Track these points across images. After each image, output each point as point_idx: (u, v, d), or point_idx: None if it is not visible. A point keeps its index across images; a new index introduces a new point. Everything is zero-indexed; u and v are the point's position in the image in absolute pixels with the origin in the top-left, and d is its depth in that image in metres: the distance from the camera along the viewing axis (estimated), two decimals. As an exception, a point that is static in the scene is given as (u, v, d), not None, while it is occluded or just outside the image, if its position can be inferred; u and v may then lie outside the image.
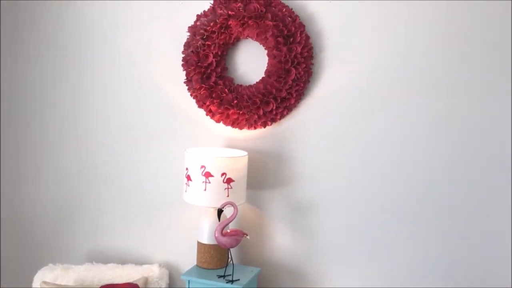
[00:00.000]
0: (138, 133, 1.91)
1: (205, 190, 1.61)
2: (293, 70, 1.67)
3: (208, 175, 1.60)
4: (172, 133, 1.88)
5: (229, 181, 1.61)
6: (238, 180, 1.64)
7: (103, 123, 1.95)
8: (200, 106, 1.78)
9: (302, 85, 1.70)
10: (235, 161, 1.63)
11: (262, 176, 1.82)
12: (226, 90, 1.74)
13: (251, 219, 1.84)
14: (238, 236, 1.61)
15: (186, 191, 1.66)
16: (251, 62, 1.78)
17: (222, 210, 1.59)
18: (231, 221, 1.61)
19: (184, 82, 1.78)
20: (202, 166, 1.60)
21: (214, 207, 1.64)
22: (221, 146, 1.84)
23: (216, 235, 1.58)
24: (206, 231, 1.68)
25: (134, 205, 1.94)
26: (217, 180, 1.60)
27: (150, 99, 1.88)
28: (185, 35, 1.78)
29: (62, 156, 2.00)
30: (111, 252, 1.97)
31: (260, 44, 1.74)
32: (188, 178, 1.64)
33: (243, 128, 1.78)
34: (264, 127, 1.76)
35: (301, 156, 1.78)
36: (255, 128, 1.77)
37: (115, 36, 1.90)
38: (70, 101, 1.98)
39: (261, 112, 1.71)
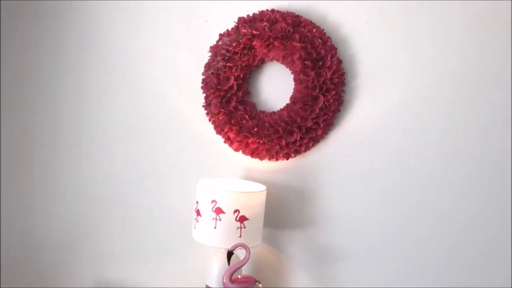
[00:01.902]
0: (149, 159, 1.77)
1: (215, 228, 1.43)
2: (321, 98, 1.49)
3: (219, 211, 1.43)
4: (186, 160, 1.72)
5: (242, 219, 1.43)
6: (253, 218, 1.45)
7: (112, 148, 1.82)
8: (218, 133, 1.63)
9: (330, 114, 1.51)
10: (250, 197, 1.45)
11: (281, 213, 1.62)
12: (247, 116, 1.57)
13: (267, 261, 1.64)
14: (249, 283, 1.41)
15: (195, 227, 1.50)
16: (275, 86, 1.61)
17: (233, 253, 1.40)
18: (242, 266, 1.42)
19: (203, 106, 1.64)
20: (213, 201, 1.43)
21: (224, 248, 1.46)
22: (239, 177, 1.67)
23: (224, 281, 1.40)
24: (215, 274, 1.50)
25: (143, 237, 1.79)
26: (228, 217, 1.42)
27: (164, 123, 1.75)
28: (206, 55, 1.65)
29: (70, 182, 1.88)
30: (117, 285, 1.83)
31: (286, 67, 1.57)
32: (198, 213, 1.47)
33: (264, 158, 1.60)
34: (287, 159, 1.58)
35: (327, 195, 1.57)
36: (276, 159, 1.59)
37: (133, 52, 1.79)
38: (78, 126, 1.86)
39: (283, 142, 1.53)
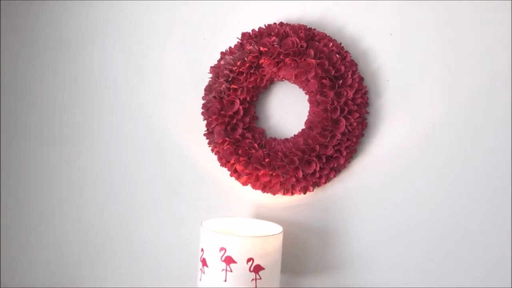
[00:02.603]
0: (143, 198, 1.54)
1: (225, 281, 1.20)
2: (343, 121, 1.29)
3: (229, 260, 1.20)
4: (187, 198, 1.50)
5: (257, 269, 1.20)
6: (270, 267, 1.22)
7: (102, 187, 1.60)
8: (223, 165, 1.41)
9: (354, 140, 1.31)
10: (266, 242, 1.22)
11: (300, 256, 1.40)
12: (256, 145, 1.36)
13: (286, 313, 1.41)
14: None
15: (200, 279, 1.26)
16: (287, 110, 1.41)
17: (248, 311, 1.17)
18: (259, 326, 1.19)
19: (204, 135, 1.42)
20: (222, 249, 1.20)
21: (237, 304, 1.23)
22: (248, 215, 1.44)
23: None
24: (226, 334, 1.26)
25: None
26: (241, 268, 1.19)
27: (160, 156, 1.52)
28: (207, 77, 1.45)
29: (60, 222, 1.64)
30: None
31: (300, 87, 1.37)
32: (204, 262, 1.24)
33: (277, 193, 1.38)
34: (305, 193, 1.36)
35: (352, 233, 1.36)
36: (292, 193, 1.37)
37: (124, 78, 1.58)
38: (68, 163, 1.64)
39: (300, 174, 1.32)
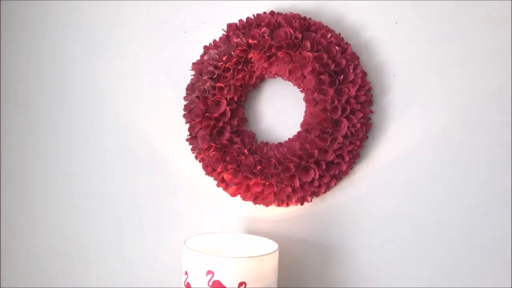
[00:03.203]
0: (118, 215, 1.36)
1: (213, 309, 1.03)
2: (345, 122, 1.13)
3: (218, 286, 1.03)
4: (168, 213, 1.32)
5: (251, 295, 1.04)
6: (265, 291, 1.06)
7: (71, 205, 1.42)
8: (208, 173, 1.24)
9: (358, 143, 1.15)
10: (260, 263, 1.05)
11: (297, 275, 1.24)
12: (246, 151, 1.20)
13: None
14: None
15: (185, 307, 1.09)
16: (281, 111, 1.25)
17: None
18: None
19: (187, 140, 1.25)
20: (209, 272, 1.03)
21: (227, 337, 1.06)
22: (239, 230, 1.28)
23: None
24: None
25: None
26: (232, 294, 1.03)
27: (137, 164, 1.35)
28: (188, 75, 1.28)
29: (32, 237, 1.45)
30: None
31: (295, 85, 1.21)
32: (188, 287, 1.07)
33: (271, 205, 1.22)
34: (302, 204, 1.20)
35: (356, 248, 1.20)
36: (287, 205, 1.21)
37: (95, 79, 1.40)
38: (41, 180, 1.46)
39: (297, 183, 1.16)
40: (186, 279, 1.08)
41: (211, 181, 1.26)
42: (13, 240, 1.44)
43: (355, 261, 1.20)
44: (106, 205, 1.37)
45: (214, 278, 1.03)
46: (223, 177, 1.22)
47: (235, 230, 1.28)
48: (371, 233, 1.20)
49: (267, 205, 1.22)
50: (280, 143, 1.23)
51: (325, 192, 1.19)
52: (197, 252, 1.06)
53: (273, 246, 1.14)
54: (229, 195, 1.24)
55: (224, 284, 1.02)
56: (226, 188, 1.23)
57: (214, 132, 1.21)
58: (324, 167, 1.15)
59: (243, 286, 1.03)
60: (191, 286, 1.06)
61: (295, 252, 1.23)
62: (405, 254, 1.18)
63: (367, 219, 1.20)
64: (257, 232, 1.24)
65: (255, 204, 1.22)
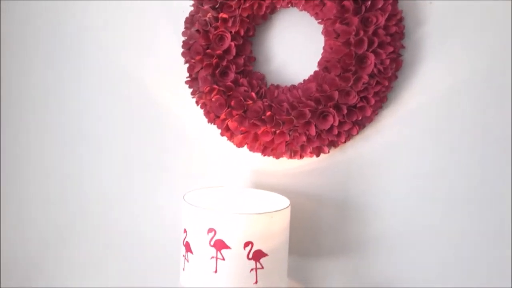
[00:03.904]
0: (113, 169, 1.22)
1: (215, 272, 0.90)
2: (372, 58, 0.95)
3: (220, 245, 0.89)
4: (166, 166, 1.18)
5: (258, 256, 0.90)
6: (275, 252, 0.92)
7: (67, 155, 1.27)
8: (211, 121, 1.08)
9: (386, 83, 0.98)
10: (269, 220, 0.91)
11: (312, 235, 1.10)
12: (253, 94, 1.03)
13: (294, 305, 1.12)
14: None
15: (184, 269, 0.96)
16: (294, 46, 1.07)
17: (246, 312, 0.88)
18: (262, 332, 0.90)
19: (186, 82, 1.09)
20: (211, 230, 0.89)
21: (231, 303, 0.93)
22: (245, 184, 1.13)
23: None
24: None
25: (114, 275, 1.25)
26: (237, 255, 0.89)
27: (133, 112, 1.19)
28: (188, 8, 1.10)
29: (24, 204, 1.33)
30: None
31: (312, 15, 1.03)
32: (187, 247, 0.94)
33: (282, 156, 1.07)
34: (318, 155, 1.05)
35: (378, 206, 1.05)
36: (301, 157, 1.06)
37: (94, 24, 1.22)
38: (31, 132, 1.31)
39: (313, 131, 1.00)
40: (185, 237, 0.95)
41: (214, 130, 1.10)
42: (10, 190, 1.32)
43: (376, 220, 1.06)
44: (100, 159, 1.23)
45: (216, 237, 0.89)
46: (227, 125, 1.06)
47: (241, 185, 1.13)
48: (396, 188, 1.04)
49: (277, 156, 1.07)
50: (293, 86, 1.06)
51: (345, 141, 1.03)
52: (197, 208, 0.92)
53: (284, 202, 1.00)
54: (234, 146, 1.09)
55: (228, 243, 0.89)
56: (231, 138, 1.08)
57: (216, 72, 1.04)
58: (345, 112, 0.98)
59: (250, 246, 0.89)
60: (191, 246, 0.93)
61: (309, 209, 1.09)
62: (432, 212, 1.03)
63: (392, 172, 1.04)
64: (266, 188, 1.10)
65: (264, 156, 1.07)
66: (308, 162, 1.08)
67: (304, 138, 1.01)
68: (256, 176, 1.12)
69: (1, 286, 1.36)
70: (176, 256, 1.13)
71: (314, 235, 1.09)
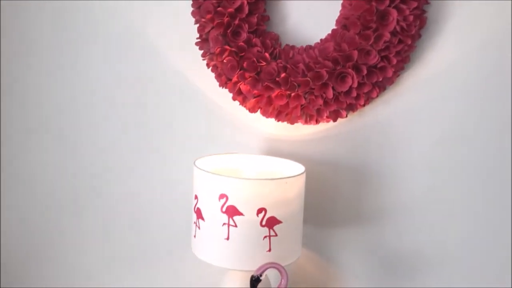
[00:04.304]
0: (120, 137, 1.19)
1: (227, 239, 0.87)
2: (394, 14, 0.89)
3: (233, 212, 0.86)
4: (177, 133, 1.14)
5: (271, 223, 0.86)
6: (289, 220, 0.88)
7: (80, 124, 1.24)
8: (222, 84, 1.03)
9: (409, 42, 0.91)
10: (283, 186, 0.87)
11: (328, 204, 1.06)
12: (267, 55, 0.98)
13: (307, 273, 1.09)
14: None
15: (195, 236, 0.93)
16: (311, 4, 1.00)
17: (260, 279, 0.85)
18: (276, 300, 0.87)
19: (196, 44, 1.03)
20: (222, 196, 0.86)
21: (245, 271, 0.90)
22: (259, 151, 1.09)
23: (249, 328, 0.85)
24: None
25: (123, 244, 1.23)
26: (249, 221, 0.85)
27: (140, 76, 1.15)
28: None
29: (30, 170, 1.31)
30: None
31: (330, -31, 0.96)
32: (199, 214, 0.91)
33: (297, 121, 1.02)
34: (335, 120, 0.99)
35: (399, 174, 1.00)
36: (317, 122, 1.01)
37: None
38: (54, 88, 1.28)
39: (330, 93, 0.94)
40: (196, 204, 0.91)
41: (225, 94, 1.05)
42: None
43: (395, 188, 1.01)
44: (108, 124, 1.20)
45: (228, 203, 0.85)
46: (239, 89, 1.01)
47: (254, 152, 1.09)
48: (416, 155, 0.99)
49: (292, 122, 1.02)
50: (309, 46, 1.00)
51: (364, 105, 0.98)
52: (208, 173, 0.88)
53: (299, 168, 0.95)
54: (247, 111, 1.04)
55: (240, 210, 0.85)
56: (243, 102, 1.03)
57: (228, 32, 0.99)
58: (364, 72, 0.92)
59: (263, 212, 0.85)
60: (202, 212, 0.89)
61: (324, 177, 1.05)
62: (454, 181, 0.98)
63: (413, 139, 0.98)
64: (280, 155, 1.05)
65: (278, 121, 1.02)
66: (325, 128, 1.03)
67: (320, 101, 0.96)
68: (270, 143, 1.08)
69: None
70: (187, 223, 1.10)
71: (330, 204, 1.05)
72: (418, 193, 1.00)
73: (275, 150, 1.07)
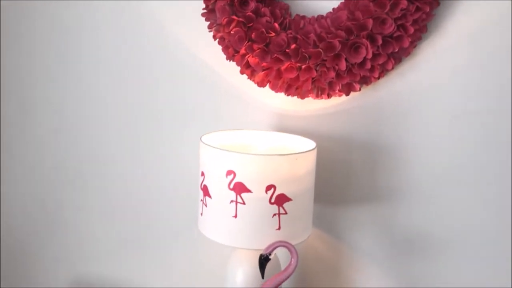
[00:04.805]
0: (127, 111, 1.16)
1: (235, 216, 0.84)
2: (412, -21, 0.83)
3: (240, 189, 0.82)
4: (181, 109, 1.11)
5: (281, 200, 0.83)
6: (299, 197, 0.85)
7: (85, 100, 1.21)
8: (229, 57, 0.99)
9: (427, 9, 0.86)
10: (293, 162, 0.84)
11: (340, 182, 1.02)
12: (276, 25, 0.93)
13: (317, 254, 1.06)
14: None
15: (202, 213, 0.91)
16: (323, -30, 0.95)
17: (269, 258, 0.82)
18: (286, 279, 0.84)
19: (202, 15, 0.99)
20: (230, 172, 0.83)
21: (253, 250, 0.87)
22: (268, 127, 1.05)
23: (258, 307, 0.83)
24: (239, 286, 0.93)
25: (132, 224, 1.21)
26: (258, 199, 0.82)
27: (145, 50, 1.11)
28: None
29: (33, 151, 1.29)
30: (96, 285, 1.29)
31: None
32: (205, 191, 0.88)
33: (308, 96, 0.97)
34: (347, 94, 0.95)
35: (414, 152, 0.96)
36: (329, 96, 0.96)
37: None
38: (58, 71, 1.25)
39: (342, 65, 0.90)
40: (203, 181, 0.88)
41: (233, 68, 1.01)
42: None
43: (410, 166, 0.96)
44: (114, 100, 1.17)
45: (236, 180, 0.82)
46: (247, 61, 0.97)
47: (262, 127, 1.05)
48: (434, 133, 0.94)
49: (303, 96, 0.98)
50: (321, 15, 0.95)
51: (378, 78, 0.93)
52: (215, 149, 0.84)
53: (309, 144, 0.91)
54: (255, 85, 1.00)
55: (248, 187, 0.82)
56: (251, 76, 0.99)
57: (235, 1, 0.94)
58: (380, 42, 0.87)
59: (272, 189, 0.82)
60: (209, 189, 0.86)
61: (336, 155, 1.01)
62: (472, 158, 0.93)
63: (431, 114, 0.93)
64: (289, 131, 1.02)
65: (288, 95, 0.98)
66: (337, 102, 0.99)
67: (332, 74, 0.91)
68: (279, 119, 1.04)
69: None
70: (194, 200, 1.07)
71: (342, 182, 1.02)
72: (434, 172, 0.95)
73: (285, 126, 1.03)
